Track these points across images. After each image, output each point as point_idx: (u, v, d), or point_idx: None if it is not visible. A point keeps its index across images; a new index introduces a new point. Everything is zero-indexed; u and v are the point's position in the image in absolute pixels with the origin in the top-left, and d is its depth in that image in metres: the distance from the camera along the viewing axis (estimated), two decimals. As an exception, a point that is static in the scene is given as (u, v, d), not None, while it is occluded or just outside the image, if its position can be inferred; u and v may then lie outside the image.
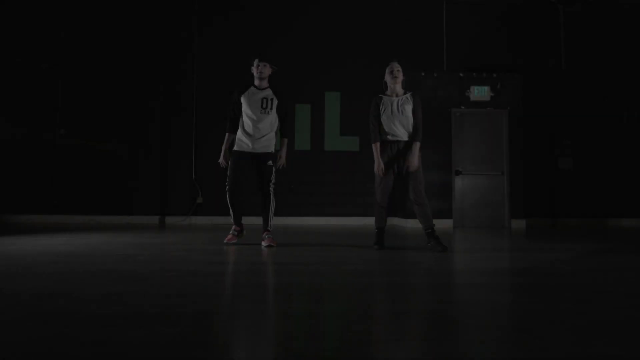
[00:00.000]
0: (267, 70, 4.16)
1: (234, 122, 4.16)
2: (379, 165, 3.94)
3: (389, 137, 3.95)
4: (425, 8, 8.26)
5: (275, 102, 4.14)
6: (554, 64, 8.35)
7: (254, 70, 4.16)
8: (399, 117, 3.92)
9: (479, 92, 7.39)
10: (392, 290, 2.19)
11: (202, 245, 4.08)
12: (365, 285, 2.30)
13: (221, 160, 4.16)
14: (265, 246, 3.93)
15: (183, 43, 7.88)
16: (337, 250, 3.85)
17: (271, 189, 4.09)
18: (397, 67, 3.98)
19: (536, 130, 8.12)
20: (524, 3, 8.37)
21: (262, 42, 8.04)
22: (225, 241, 4.15)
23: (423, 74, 7.46)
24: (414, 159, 3.89)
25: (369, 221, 7.74)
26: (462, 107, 7.41)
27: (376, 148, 3.97)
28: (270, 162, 4.09)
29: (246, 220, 7.52)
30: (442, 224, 7.14)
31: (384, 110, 3.97)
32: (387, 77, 4.01)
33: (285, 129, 4.24)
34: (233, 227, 4.23)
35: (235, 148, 4.13)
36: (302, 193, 7.84)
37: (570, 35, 8.39)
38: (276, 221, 7.80)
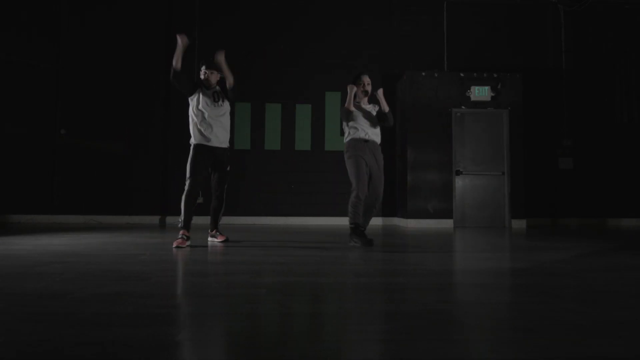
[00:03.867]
0: (214, 77, 4.18)
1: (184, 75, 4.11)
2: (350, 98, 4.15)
3: (365, 136, 4.14)
4: (426, 8, 8.26)
5: (223, 93, 4.21)
6: (554, 64, 8.34)
7: (202, 76, 4.17)
8: (369, 123, 4.16)
9: (480, 92, 7.39)
10: (392, 291, 2.19)
11: (203, 246, 4.08)
12: (365, 285, 2.30)
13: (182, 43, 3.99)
14: (220, 242, 4.24)
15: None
16: (337, 250, 3.85)
17: (225, 194, 4.28)
18: (367, 80, 4.24)
19: (537, 131, 8.12)
20: (525, 3, 8.36)
21: (263, 41, 8.04)
22: (174, 245, 3.78)
23: (424, 74, 7.46)
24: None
25: (370, 221, 7.74)
26: (463, 107, 7.41)
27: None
28: (228, 168, 4.27)
29: (246, 219, 7.56)
30: (442, 224, 7.15)
31: (354, 112, 4.18)
32: (358, 90, 4.24)
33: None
34: (182, 232, 3.91)
35: (194, 141, 4.09)
36: (303, 193, 7.84)
37: (571, 35, 8.38)
38: (277, 221, 7.84)
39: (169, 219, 7.58)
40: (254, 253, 3.57)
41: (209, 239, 4.37)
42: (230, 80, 4.13)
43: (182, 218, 3.96)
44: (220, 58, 4.06)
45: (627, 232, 6.46)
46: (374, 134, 4.19)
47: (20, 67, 7.74)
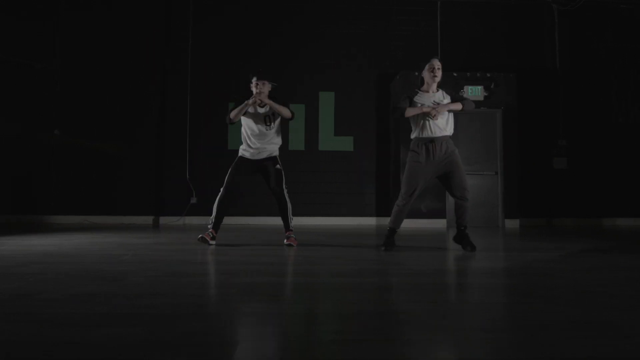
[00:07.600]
0: (267, 88, 4.16)
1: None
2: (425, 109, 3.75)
3: (430, 134, 3.80)
4: (421, 8, 8.25)
5: (277, 117, 4.20)
6: (548, 64, 8.33)
7: (253, 89, 4.16)
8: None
9: (473, 92, 7.37)
10: (385, 291, 2.18)
11: (192, 246, 4.07)
12: (357, 285, 2.28)
13: (250, 101, 4.06)
14: (287, 244, 4.09)
15: (177, 42, 7.87)
16: (332, 250, 3.83)
17: (285, 192, 4.20)
18: (437, 64, 3.82)
19: (531, 130, 8.10)
20: (519, 3, 8.35)
21: (257, 41, 8.02)
22: (199, 237, 4.05)
23: (417, 73, 7.41)
24: (443, 106, 3.78)
25: (365, 221, 7.74)
26: (456, 107, 7.38)
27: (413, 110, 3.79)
28: (278, 166, 4.20)
29: (241, 220, 7.54)
30: (435, 224, 7.14)
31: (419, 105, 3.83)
32: (426, 74, 3.85)
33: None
34: (210, 230, 4.10)
35: (239, 154, 4.22)
36: (297, 193, 7.81)
37: (566, 34, 8.37)
38: (271, 221, 7.81)
39: (163, 220, 7.56)
40: (246, 253, 3.56)
41: (285, 241, 4.20)
42: (286, 114, 4.15)
43: (212, 219, 4.10)
44: (264, 99, 4.06)
45: (621, 232, 6.45)
46: (442, 129, 3.84)
47: (16, 67, 7.72)
